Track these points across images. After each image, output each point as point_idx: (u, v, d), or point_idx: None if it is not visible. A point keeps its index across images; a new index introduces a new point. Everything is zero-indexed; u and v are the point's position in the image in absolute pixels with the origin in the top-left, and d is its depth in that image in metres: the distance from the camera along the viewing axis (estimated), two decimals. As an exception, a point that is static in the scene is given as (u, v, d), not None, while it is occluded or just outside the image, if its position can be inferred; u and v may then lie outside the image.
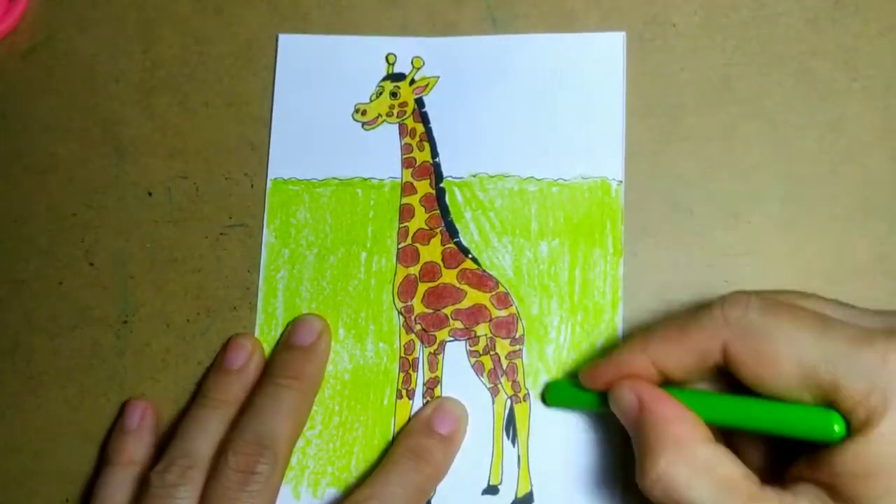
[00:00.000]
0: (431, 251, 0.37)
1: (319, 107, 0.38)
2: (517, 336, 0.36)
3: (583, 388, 0.32)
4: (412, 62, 0.38)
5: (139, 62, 0.39)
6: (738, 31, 0.38)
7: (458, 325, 0.36)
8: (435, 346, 0.36)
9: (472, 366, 0.36)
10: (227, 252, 0.38)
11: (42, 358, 0.37)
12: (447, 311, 0.36)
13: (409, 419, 0.35)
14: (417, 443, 0.34)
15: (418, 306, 0.36)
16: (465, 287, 0.36)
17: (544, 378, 0.35)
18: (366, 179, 0.37)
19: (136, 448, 0.35)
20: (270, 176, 0.38)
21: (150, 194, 0.38)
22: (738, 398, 0.28)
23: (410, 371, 0.36)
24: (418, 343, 0.36)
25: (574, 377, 0.33)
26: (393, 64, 0.38)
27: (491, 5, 0.39)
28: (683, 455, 0.27)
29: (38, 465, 0.37)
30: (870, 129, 0.37)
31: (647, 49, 0.38)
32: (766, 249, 0.36)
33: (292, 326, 0.36)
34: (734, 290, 0.28)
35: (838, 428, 0.26)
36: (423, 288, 0.36)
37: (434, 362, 0.36)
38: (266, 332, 0.37)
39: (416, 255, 0.37)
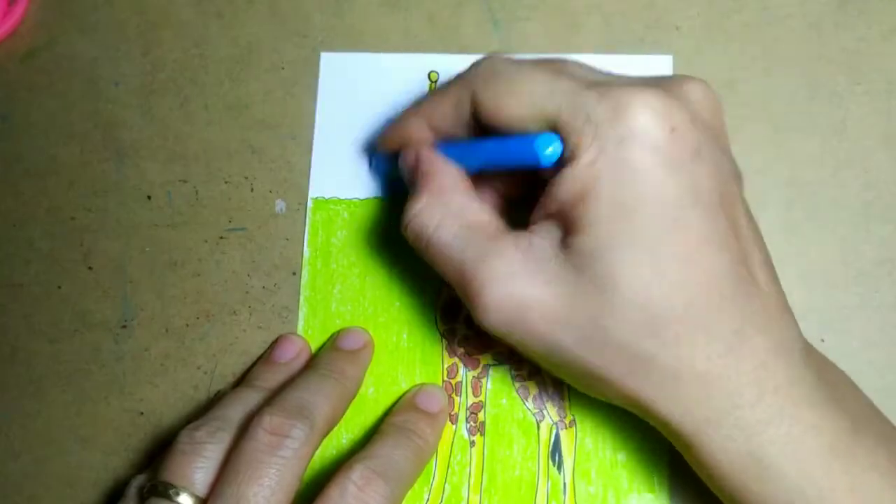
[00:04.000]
0: None
1: (361, 125, 0.38)
2: None
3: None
4: None
5: (139, 65, 0.39)
6: (741, 33, 0.38)
7: (502, 347, 0.35)
8: (478, 370, 0.35)
9: (517, 390, 0.35)
10: (226, 256, 0.37)
11: (41, 362, 0.37)
12: None
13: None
14: (406, 417, 0.34)
15: (461, 329, 0.36)
16: None
17: (591, 404, 0.34)
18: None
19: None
20: (311, 195, 0.37)
21: (149, 198, 0.38)
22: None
23: (454, 395, 0.35)
24: (462, 366, 0.35)
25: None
26: (435, 81, 0.38)
27: (492, 8, 0.38)
28: (439, 200, 0.31)
29: (37, 470, 0.37)
30: (873, 132, 0.36)
31: (651, 52, 0.38)
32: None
33: (339, 333, 0.36)
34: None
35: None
36: (466, 310, 0.35)
37: (478, 386, 0.35)
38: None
39: None
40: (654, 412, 0.28)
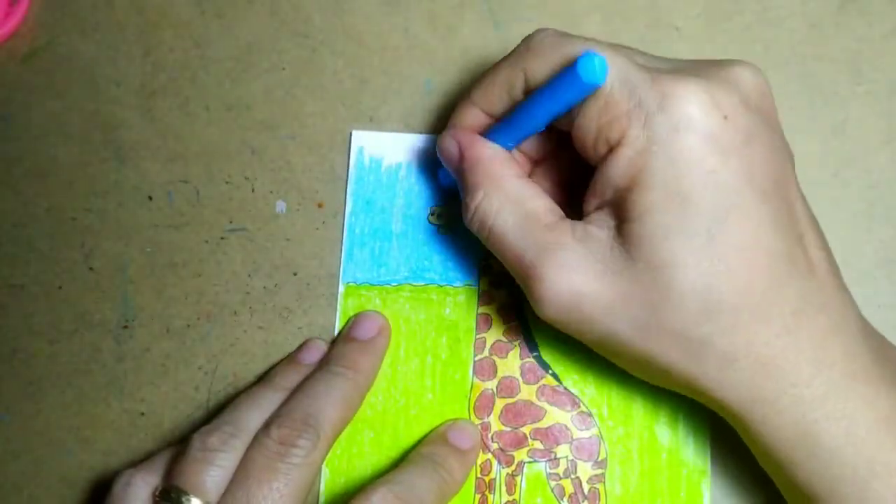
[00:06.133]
0: (509, 365, 0.35)
1: (393, 209, 0.37)
2: (599, 459, 0.34)
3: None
4: None
5: (140, 66, 0.39)
6: (741, 34, 0.38)
7: (538, 445, 0.34)
8: (513, 467, 0.34)
9: (552, 489, 0.34)
10: (227, 257, 0.37)
11: (41, 362, 0.37)
12: (526, 429, 0.35)
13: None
14: (433, 450, 0.33)
15: (495, 423, 0.35)
16: (545, 405, 0.35)
17: None
18: (441, 286, 0.36)
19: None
20: (343, 281, 0.37)
21: (150, 198, 0.38)
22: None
23: (487, 493, 0.34)
24: (495, 463, 0.34)
25: None
26: None
27: (492, 8, 0.38)
28: (496, 188, 0.30)
29: (37, 471, 0.37)
30: (874, 132, 0.36)
31: (651, 53, 0.38)
32: (769, 254, 0.36)
33: (354, 320, 0.36)
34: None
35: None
36: (500, 404, 0.35)
37: (511, 484, 0.34)
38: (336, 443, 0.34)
39: (493, 369, 0.35)
40: (709, 395, 0.28)
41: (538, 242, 0.29)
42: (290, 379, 0.34)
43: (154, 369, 0.37)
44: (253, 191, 0.38)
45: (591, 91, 0.27)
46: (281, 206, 0.38)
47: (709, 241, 0.27)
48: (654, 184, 0.27)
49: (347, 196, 0.37)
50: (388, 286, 0.36)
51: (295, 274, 0.37)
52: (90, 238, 0.38)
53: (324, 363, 0.35)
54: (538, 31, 0.30)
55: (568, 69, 0.27)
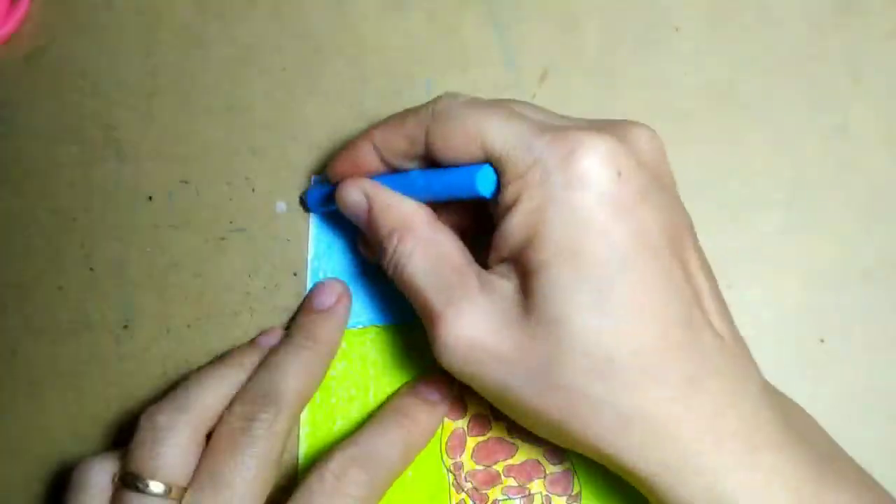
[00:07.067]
0: (479, 401, 0.34)
1: (356, 250, 0.36)
2: (573, 493, 0.34)
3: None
4: None
5: (140, 66, 0.39)
6: (741, 34, 0.38)
7: (511, 482, 0.34)
8: None
9: None
10: (227, 257, 0.37)
11: (41, 362, 0.37)
12: (499, 467, 0.34)
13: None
14: (402, 402, 0.34)
15: (468, 463, 0.34)
16: (517, 440, 0.34)
17: None
18: (405, 325, 0.36)
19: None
20: None
21: (150, 199, 0.38)
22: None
23: None
24: (470, 502, 0.34)
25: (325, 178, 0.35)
26: None
27: (492, 8, 0.38)
28: (409, 231, 0.30)
29: (37, 471, 0.37)
30: (874, 133, 0.36)
31: (651, 53, 0.38)
32: (769, 254, 0.36)
33: (311, 291, 0.36)
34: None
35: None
36: (472, 442, 0.34)
37: None
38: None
39: (463, 407, 0.35)
40: (607, 456, 0.28)
41: (445, 286, 0.29)
42: (241, 355, 0.34)
43: (154, 370, 0.37)
44: (253, 191, 0.38)
45: (481, 194, 0.29)
46: (281, 206, 0.38)
47: (599, 299, 0.26)
48: (550, 239, 0.27)
49: (309, 240, 0.37)
50: (354, 329, 0.36)
51: (295, 274, 0.37)
52: (90, 238, 0.38)
53: (285, 337, 0.35)
54: (445, 96, 0.31)
55: (467, 174, 0.29)
